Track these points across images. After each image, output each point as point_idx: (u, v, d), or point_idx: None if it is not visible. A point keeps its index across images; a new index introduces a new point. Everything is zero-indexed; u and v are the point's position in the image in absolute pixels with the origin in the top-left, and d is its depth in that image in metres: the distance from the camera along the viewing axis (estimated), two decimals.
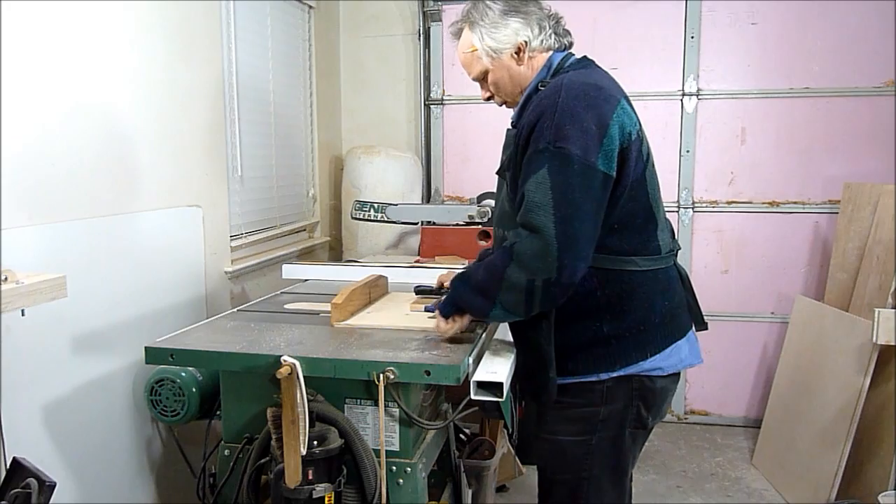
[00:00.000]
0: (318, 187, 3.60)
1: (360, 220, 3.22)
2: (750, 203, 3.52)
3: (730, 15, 3.42)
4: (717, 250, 3.57)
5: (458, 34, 1.62)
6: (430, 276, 2.27)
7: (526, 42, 1.53)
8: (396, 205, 3.13)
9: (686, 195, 3.55)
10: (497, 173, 1.67)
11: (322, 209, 3.66)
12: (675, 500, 2.88)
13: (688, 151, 3.53)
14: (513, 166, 1.52)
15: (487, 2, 1.54)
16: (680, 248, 1.64)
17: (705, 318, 1.71)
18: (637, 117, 1.49)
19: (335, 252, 3.79)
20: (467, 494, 2.24)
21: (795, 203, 3.46)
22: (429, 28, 3.77)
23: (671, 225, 1.64)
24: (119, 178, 2.02)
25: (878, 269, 2.77)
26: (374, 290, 2.05)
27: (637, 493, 2.90)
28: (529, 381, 1.61)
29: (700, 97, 3.49)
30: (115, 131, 2.00)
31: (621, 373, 1.51)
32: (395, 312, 1.89)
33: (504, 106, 1.67)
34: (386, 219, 3.14)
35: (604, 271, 1.48)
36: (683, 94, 3.50)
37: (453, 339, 1.62)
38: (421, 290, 1.99)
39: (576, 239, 1.33)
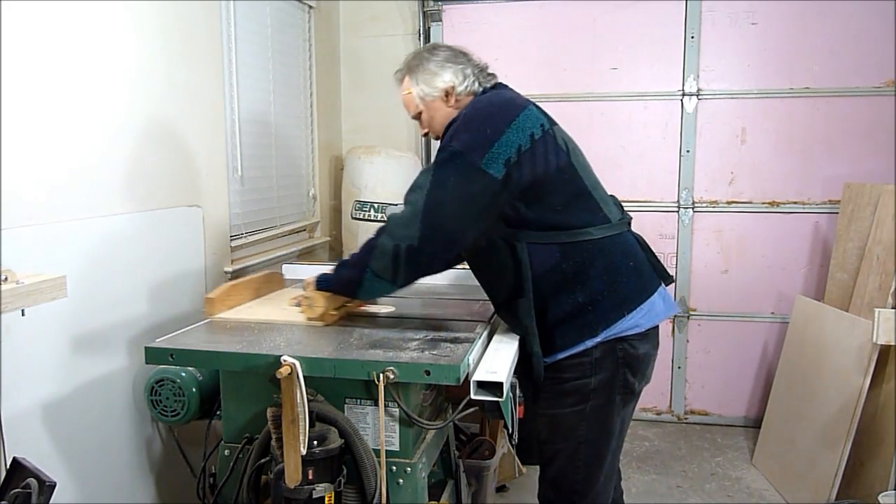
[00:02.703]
0: (318, 187, 3.60)
1: (360, 220, 3.22)
2: (750, 203, 3.52)
3: (730, 15, 3.41)
4: (717, 250, 3.57)
5: (400, 80, 1.85)
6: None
7: (452, 87, 1.76)
8: (396, 205, 3.13)
9: (686, 195, 3.55)
10: None
11: (322, 209, 3.66)
12: (675, 500, 2.88)
13: (688, 151, 3.53)
14: None
15: (426, 54, 1.80)
16: (631, 219, 1.78)
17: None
18: (547, 118, 1.66)
19: (335, 252, 3.79)
20: (467, 494, 2.25)
21: (795, 203, 3.46)
22: (429, 28, 3.76)
23: (617, 200, 1.79)
24: (119, 178, 2.02)
25: (878, 269, 2.76)
26: (266, 286, 2.14)
27: (637, 493, 2.92)
28: (520, 361, 1.70)
29: (700, 97, 3.49)
30: (115, 131, 2.01)
31: (604, 336, 1.63)
32: (274, 307, 1.96)
33: (436, 140, 1.88)
34: (386, 219, 3.14)
35: (563, 245, 1.62)
36: (683, 94, 3.49)
37: (453, 340, 1.63)
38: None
39: (442, 219, 1.51)
